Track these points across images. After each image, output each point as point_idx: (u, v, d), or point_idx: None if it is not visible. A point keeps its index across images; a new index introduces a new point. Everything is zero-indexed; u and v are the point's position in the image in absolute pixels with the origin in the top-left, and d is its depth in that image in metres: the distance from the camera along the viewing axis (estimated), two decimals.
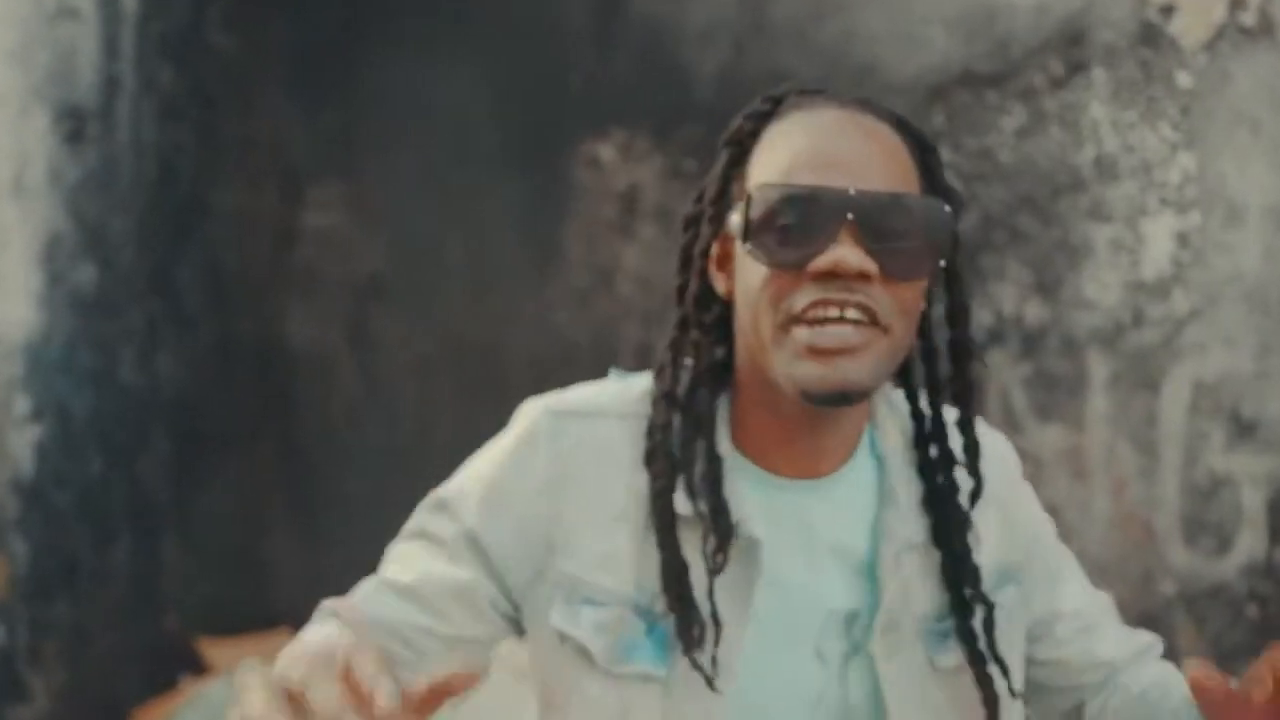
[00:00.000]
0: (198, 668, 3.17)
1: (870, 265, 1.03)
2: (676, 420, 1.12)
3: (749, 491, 1.12)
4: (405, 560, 1.18)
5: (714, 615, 1.07)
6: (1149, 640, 1.25)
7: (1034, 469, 2.00)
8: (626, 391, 1.17)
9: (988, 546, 1.17)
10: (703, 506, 1.09)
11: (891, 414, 1.18)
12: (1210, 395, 1.83)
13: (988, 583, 1.15)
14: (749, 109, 1.15)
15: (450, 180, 3.02)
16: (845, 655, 1.12)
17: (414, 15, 3.10)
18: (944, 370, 1.17)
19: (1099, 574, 1.95)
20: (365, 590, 1.18)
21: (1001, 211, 2.04)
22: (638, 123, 2.57)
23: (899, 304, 1.05)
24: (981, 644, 1.13)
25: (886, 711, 1.11)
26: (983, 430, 1.20)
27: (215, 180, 3.40)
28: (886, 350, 1.06)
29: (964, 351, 1.16)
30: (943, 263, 1.08)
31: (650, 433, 1.12)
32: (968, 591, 1.13)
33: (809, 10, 2.23)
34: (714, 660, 1.07)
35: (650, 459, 1.11)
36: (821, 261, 1.03)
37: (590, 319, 2.62)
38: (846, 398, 1.06)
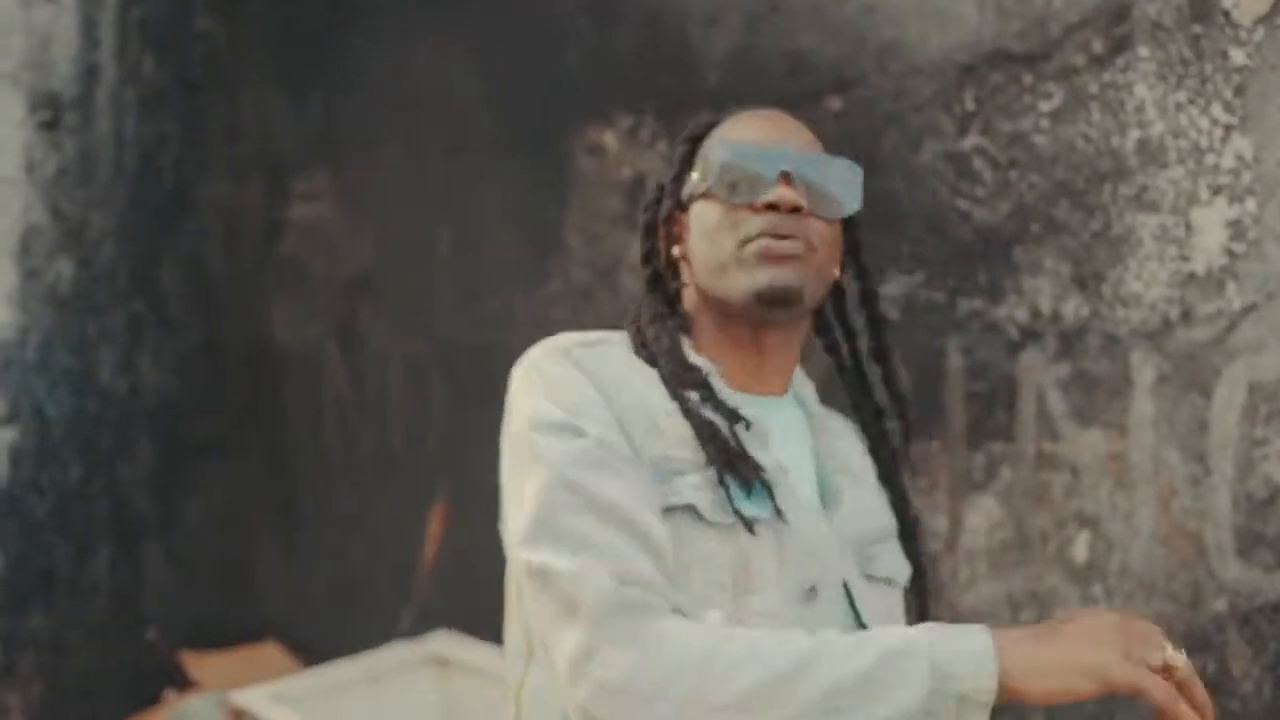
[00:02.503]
0: (181, 682, 3.07)
1: (803, 201, 1.33)
2: (665, 340, 1.36)
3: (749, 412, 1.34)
4: (600, 475, 1.24)
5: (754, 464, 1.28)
6: None
7: (1072, 477, 1.86)
8: (594, 333, 1.39)
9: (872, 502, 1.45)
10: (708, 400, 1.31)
11: (802, 376, 1.46)
12: (1267, 397, 1.69)
13: (880, 534, 1.42)
14: (697, 120, 1.46)
15: (441, 170, 2.89)
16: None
17: None
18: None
19: (1144, 590, 1.81)
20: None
21: (1037, 200, 1.90)
22: (643, 107, 2.43)
23: (822, 235, 1.35)
24: (921, 555, 1.47)
25: (857, 607, 1.32)
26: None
27: (199, 172, 3.28)
28: (815, 267, 1.34)
29: (872, 300, 1.49)
30: (858, 207, 1.39)
31: (660, 356, 1.34)
32: (906, 510, 1.47)
33: None
34: (779, 507, 1.27)
35: (669, 367, 1.33)
36: (769, 196, 1.32)
37: (591, 317, 2.48)
38: (788, 298, 1.31)
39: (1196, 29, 1.74)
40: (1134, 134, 1.80)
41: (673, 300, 1.42)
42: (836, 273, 1.42)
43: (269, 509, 3.26)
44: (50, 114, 3.01)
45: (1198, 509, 1.74)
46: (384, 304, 3.04)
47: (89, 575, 3.07)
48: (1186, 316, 1.76)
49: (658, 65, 2.41)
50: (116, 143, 3.12)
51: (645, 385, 1.30)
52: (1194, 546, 1.75)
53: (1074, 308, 1.86)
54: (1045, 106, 1.89)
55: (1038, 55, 1.89)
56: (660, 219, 1.44)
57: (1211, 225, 1.73)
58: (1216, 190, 1.73)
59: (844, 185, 1.37)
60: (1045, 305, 1.89)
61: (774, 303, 1.32)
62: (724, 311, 1.37)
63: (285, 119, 3.29)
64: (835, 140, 2.11)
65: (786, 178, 1.33)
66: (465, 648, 2.64)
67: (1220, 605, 1.73)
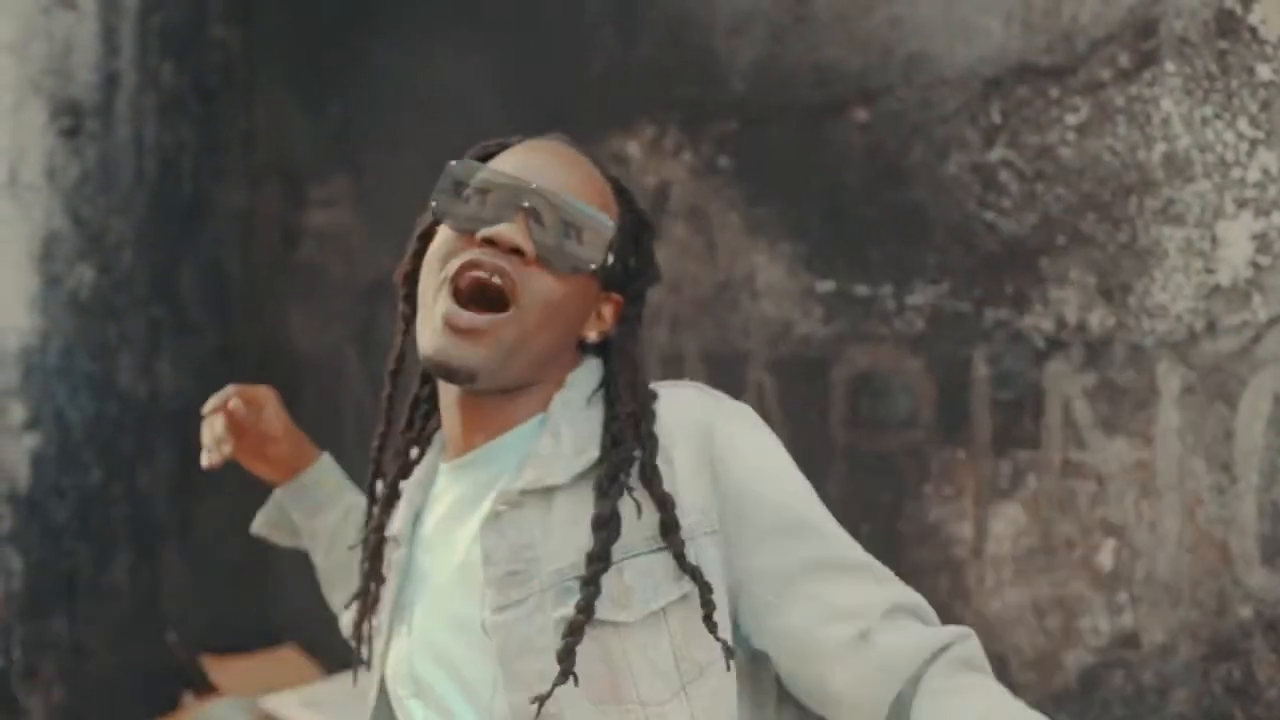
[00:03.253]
0: (201, 686, 3.08)
1: (528, 245, 1.19)
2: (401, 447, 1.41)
3: (439, 487, 1.33)
4: None
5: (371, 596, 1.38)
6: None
7: (1098, 485, 1.89)
8: None
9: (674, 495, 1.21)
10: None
11: (571, 384, 1.29)
12: None
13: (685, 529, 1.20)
14: (479, 146, 1.34)
15: None
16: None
17: (420, 2, 2.99)
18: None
19: (1170, 597, 1.84)
20: None
21: (1063, 212, 1.92)
22: (666, 116, 2.45)
23: (544, 290, 1.20)
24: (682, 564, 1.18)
25: (499, 664, 1.18)
26: (681, 398, 1.28)
27: (217, 178, 3.30)
28: (515, 336, 1.20)
29: (626, 357, 1.29)
30: (593, 266, 1.23)
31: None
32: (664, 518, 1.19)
33: None
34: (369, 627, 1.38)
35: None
36: (488, 230, 1.19)
37: None
38: (455, 378, 1.20)
39: (1223, 44, 1.77)
40: (1160, 147, 1.83)
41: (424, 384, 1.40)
42: (591, 334, 1.29)
43: None
44: (71, 121, 3.02)
45: (1223, 517, 1.77)
46: None
47: (109, 579, 3.08)
48: (1212, 328, 1.78)
49: (682, 75, 2.43)
50: (136, 149, 3.14)
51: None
52: (1219, 554, 1.78)
53: (1100, 318, 1.89)
54: (1072, 120, 1.91)
55: (1064, 69, 1.92)
56: (416, 237, 1.34)
57: (1237, 238, 1.76)
58: (1242, 204, 1.75)
59: (590, 239, 1.22)
60: (1071, 316, 1.92)
61: (442, 376, 1.22)
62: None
63: (302, 125, 3.30)
64: (861, 151, 2.15)
65: (524, 215, 1.20)
66: None
67: (1245, 612, 1.75)
